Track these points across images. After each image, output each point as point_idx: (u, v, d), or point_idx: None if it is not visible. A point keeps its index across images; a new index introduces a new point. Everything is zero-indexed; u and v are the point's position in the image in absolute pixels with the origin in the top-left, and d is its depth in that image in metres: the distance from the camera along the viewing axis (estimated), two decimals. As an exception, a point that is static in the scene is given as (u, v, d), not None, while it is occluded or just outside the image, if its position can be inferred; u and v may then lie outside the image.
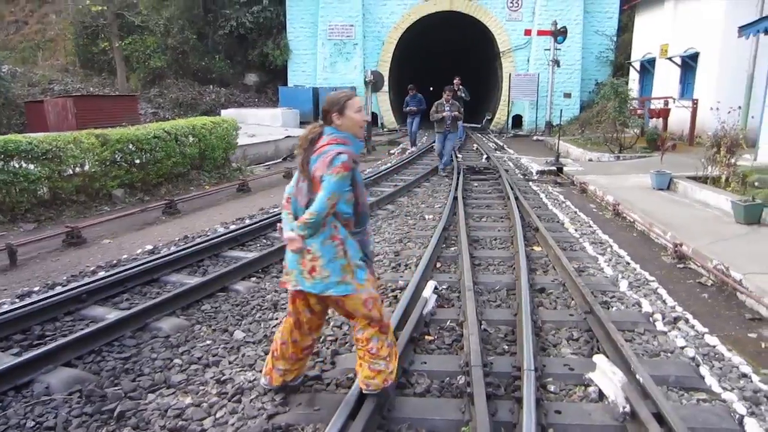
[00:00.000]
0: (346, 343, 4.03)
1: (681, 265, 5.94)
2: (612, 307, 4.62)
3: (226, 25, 24.56)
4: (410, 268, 5.68)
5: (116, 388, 3.42)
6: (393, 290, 5.05)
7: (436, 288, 4.91)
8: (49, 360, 3.60)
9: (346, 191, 2.91)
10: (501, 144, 19.10)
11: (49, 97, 18.35)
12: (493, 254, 6.15)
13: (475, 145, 18.15)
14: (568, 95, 23.20)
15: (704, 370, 3.57)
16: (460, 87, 15.85)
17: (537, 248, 6.36)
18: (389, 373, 3.06)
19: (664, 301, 4.83)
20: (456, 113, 11.80)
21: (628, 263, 5.94)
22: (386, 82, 23.27)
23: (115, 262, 6.17)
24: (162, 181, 10.80)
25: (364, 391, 3.02)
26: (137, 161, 10.19)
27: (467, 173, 12.00)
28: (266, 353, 3.75)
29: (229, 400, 3.28)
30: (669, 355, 3.79)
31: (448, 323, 4.28)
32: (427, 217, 8.13)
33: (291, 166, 13.64)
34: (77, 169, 9.07)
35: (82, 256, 6.77)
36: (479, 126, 25.96)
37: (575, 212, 8.53)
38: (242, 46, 25.31)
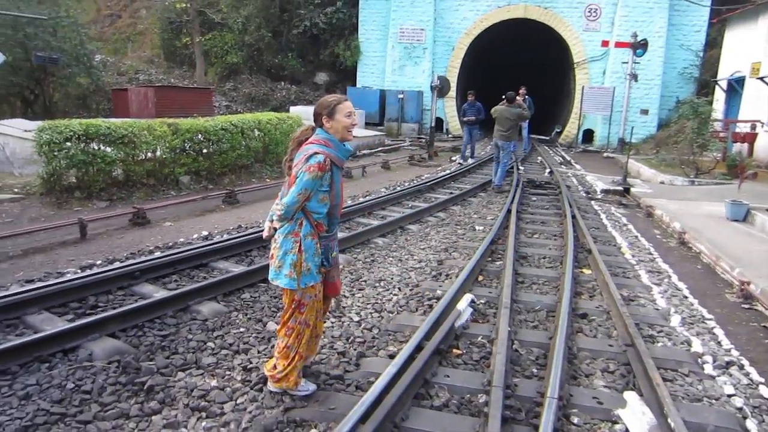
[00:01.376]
0: (374, 346, 4.06)
1: (746, 306, 5.47)
2: (657, 342, 4.37)
3: (300, 25, 25.25)
4: (451, 278, 5.62)
5: (150, 362, 3.61)
6: (429, 299, 5.02)
7: (472, 302, 4.84)
8: (96, 329, 3.87)
9: (321, 191, 3.04)
10: (568, 159, 18.52)
11: (133, 85, 19.56)
12: (539, 273, 5.98)
13: (539, 158, 17.71)
14: (645, 112, 22.17)
15: (751, 424, 3.27)
16: (526, 97, 15.52)
17: (587, 271, 6.13)
18: (281, 377, 3.22)
19: (718, 343, 4.49)
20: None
21: (685, 297, 5.59)
22: (453, 88, 23.14)
23: (171, 244, 6.49)
24: (226, 171, 11.25)
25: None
26: (204, 151, 10.66)
27: (527, 186, 11.73)
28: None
29: (251, 388, 3.38)
30: (713, 402, 3.52)
31: (479, 339, 4.21)
32: (477, 227, 8.02)
33: (351, 166, 13.82)
34: (149, 155, 9.63)
35: (145, 235, 7.17)
36: (548, 138, 25.30)
37: (636, 237, 8.14)
38: (314, 46, 25.93)
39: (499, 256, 6.53)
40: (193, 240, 6.77)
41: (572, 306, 4.80)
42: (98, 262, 5.68)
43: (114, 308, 4.33)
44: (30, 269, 5.55)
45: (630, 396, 3.33)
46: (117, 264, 5.31)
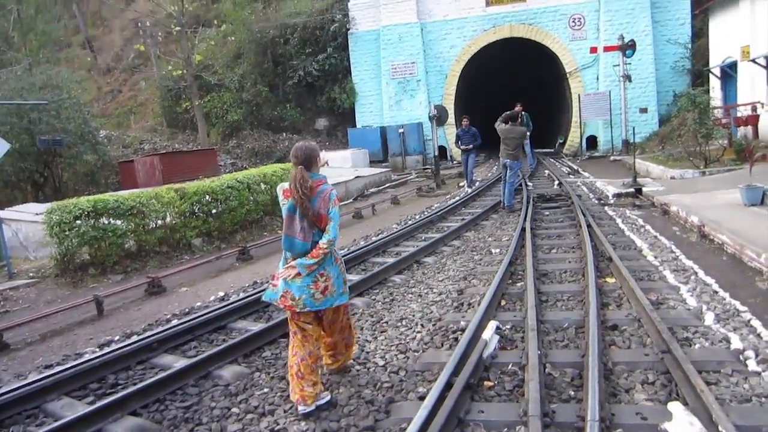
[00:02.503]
0: (403, 389, 3.92)
1: (780, 292, 5.32)
2: (694, 344, 4.18)
3: (294, 75, 25.80)
4: (473, 307, 5.48)
5: (175, 439, 3.50)
6: (454, 332, 4.88)
7: (498, 328, 4.70)
8: (117, 409, 3.77)
9: None
10: (575, 168, 18.42)
11: (139, 156, 19.98)
12: (561, 288, 5.83)
13: (546, 171, 17.62)
14: (644, 110, 22.08)
15: (807, 417, 3.09)
16: (522, 114, 15.53)
17: (610, 280, 5.96)
18: (347, 355, 4.21)
19: (758, 335, 4.28)
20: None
21: (716, 292, 5.39)
22: (451, 114, 23.31)
23: (187, 310, 6.44)
24: (237, 229, 11.28)
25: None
26: (213, 211, 10.71)
27: (537, 202, 11.61)
28: (321, 402, 3.77)
29: (281, 453, 3.25)
30: (763, 400, 3.34)
31: (509, 367, 4.06)
32: (493, 251, 7.90)
33: (360, 206, 13.84)
34: (159, 222, 9.68)
35: (162, 304, 7.14)
36: (552, 151, 25.27)
37: (655, 237, 7.96)
38: (311, 93, 26.43)
39: (520, 276, 6.38)
40: (210, 303, 6.71)
41: (600, 319, 4.63)
42: (116, 337, 5.63)
43: (134, 384, 4.24)
44: (49, 353, 5.52)
45: (675, 407, 3.16)
46: (134, 338, 5.26)
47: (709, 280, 5.76)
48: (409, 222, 10.62)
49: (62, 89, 17.72)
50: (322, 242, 3.56)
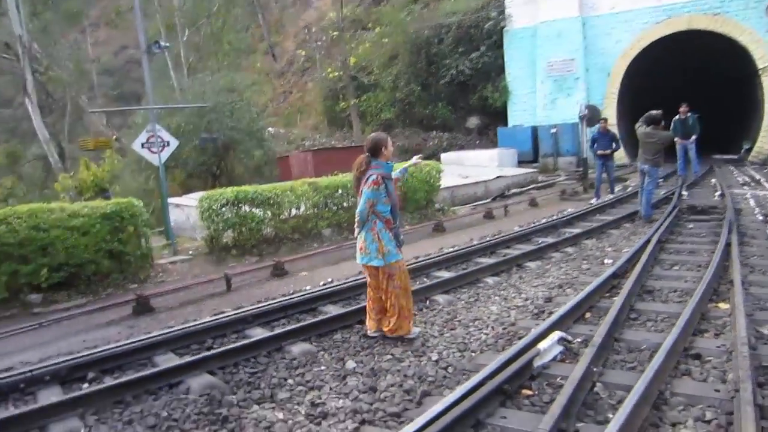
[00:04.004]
0: (443, 385, 4.01)
1: None
2: (785, 386, 3.61)
3: (447, 75, 26.09)
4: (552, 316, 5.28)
5: (233, 395, 4.04)
6: (520, 337, 4.78)
7: (565, 340, 4.51)
8: (198, 367, 4.44)
9: (383, 197, 4.64)
10: (758, 178, 15.99)
11: (299, 151, 21.96)
12: (662, 308, 5.32)
13: (714, 180, 15.59)
14: None
15: None
16: (688, 115, 13.95)
17: (723, 305, 5.27)
18: (395, 328, 4.82)
19: None
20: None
21: None
22: (613, 115, 21.75)
23: (292, 292, 7.10)
24: (366, 222, 11.93)
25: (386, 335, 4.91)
26: (345, 204, 11.49)
27: (685, 213, 10.45)
28: (365, 385, 4.06)
29: (311, 422, 3.59)
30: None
31: (557, 380, 3.91)
32: (606, 261, 7.39)
33: (494, 206, 13.73)
34: (294, 212, 10.69)
35: (281, 285, 7.96)
36: (736, 158, 22.16)
37: (816, 261, 6.76)
38: (463, 92, 26.50)
39: (620, 291, 5.93)
40: (318, 287, 7.32)
41: (680, 344, 4.19)
42: (228, 310, 6.46)
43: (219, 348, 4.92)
44: (180, 318, 6.50)
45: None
46: (240, 310, 6.00)
47: None
48: (533, 225, 10.30)
49: (236, 92, 20.21)
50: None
